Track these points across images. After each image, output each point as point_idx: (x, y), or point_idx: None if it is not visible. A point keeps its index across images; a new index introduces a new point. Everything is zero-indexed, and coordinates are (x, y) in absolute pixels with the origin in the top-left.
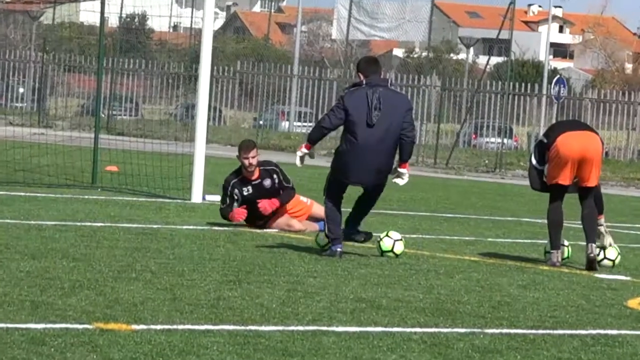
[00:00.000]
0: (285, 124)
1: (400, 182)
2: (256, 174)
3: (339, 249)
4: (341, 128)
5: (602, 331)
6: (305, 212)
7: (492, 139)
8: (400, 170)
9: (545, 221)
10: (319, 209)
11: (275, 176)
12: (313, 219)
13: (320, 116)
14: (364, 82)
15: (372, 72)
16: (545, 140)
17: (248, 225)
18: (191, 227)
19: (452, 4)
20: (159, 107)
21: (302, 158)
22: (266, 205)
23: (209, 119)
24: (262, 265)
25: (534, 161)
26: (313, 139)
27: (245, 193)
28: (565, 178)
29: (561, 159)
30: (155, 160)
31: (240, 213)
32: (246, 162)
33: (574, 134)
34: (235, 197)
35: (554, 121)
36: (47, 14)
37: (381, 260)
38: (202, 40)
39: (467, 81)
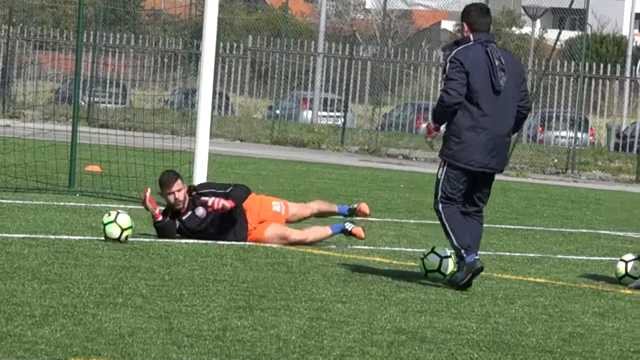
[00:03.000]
0: (307, 114)
1: None
2: (185, 205)
3: (476, 258)
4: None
5: None
6: (280, 221)
7: (563, 133)
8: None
9: (628, 235)
10: (297, 211)
11: (211, 199)
12: (294, 222)
13: (351, 104)
14: (472, 37)
15: (483, 26)
16: None
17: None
18: (191, 241)
19: None
20: (152, 92)
21: (431, 143)
22: (215, 202)
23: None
24: (279, 288)
25: None
26: (442, 122)
27: (183, 227)
28: None
29: None
30: (147, 159)
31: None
32: (171, 198)
33: None
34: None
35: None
36: None
37: (425, 282)
38: (205, 10)
39: (533, 61)
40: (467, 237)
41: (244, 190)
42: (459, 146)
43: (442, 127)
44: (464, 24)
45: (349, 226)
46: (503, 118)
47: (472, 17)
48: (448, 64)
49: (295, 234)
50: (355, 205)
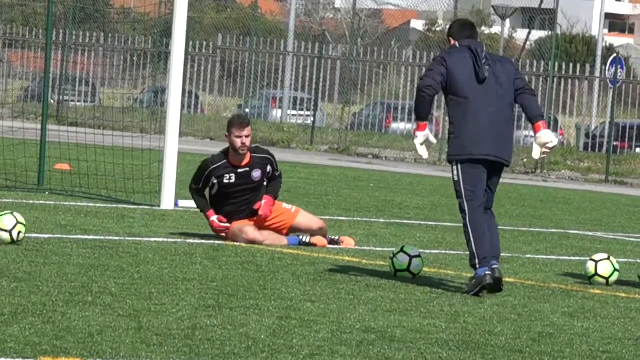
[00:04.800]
0: (277, 113)
1: (551, 145)
2: (246, 159)
3: (487, 273)
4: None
5: None
6: (287, 222)
7: (532, 133)
8: (539, 134)
9: (597, 235)
10: (304, 220)
11: (269, 167)
12: (293, 230)
13: (321, 103)
14: (457, 44)
15: (467, 37)
16: None
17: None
18: (161, 239)
19: None
20: (121, 91)
21: (423, 143)
22: (267, 211)
23: (183, 107)
24: (248, 287)
25: None
26: (422, 114)
27: (225, 181)
28: None
29: None
30: (116, 157)
31: (219, 229)
32: (238, 141)
33: None
34: (211, 185)
35: (609, 110)
36: None
37: (395, 281)
38: (175, 8)
39: None
40: (487, 248)
41: (280, 186)
42: (458, 140)
43: (432, 137)
44: (449, 38)
45: (306, 238)
46: (493, 106)
47: (455, 30)
48: (431, 62)
49: (252, 234)
50: (337, 237)
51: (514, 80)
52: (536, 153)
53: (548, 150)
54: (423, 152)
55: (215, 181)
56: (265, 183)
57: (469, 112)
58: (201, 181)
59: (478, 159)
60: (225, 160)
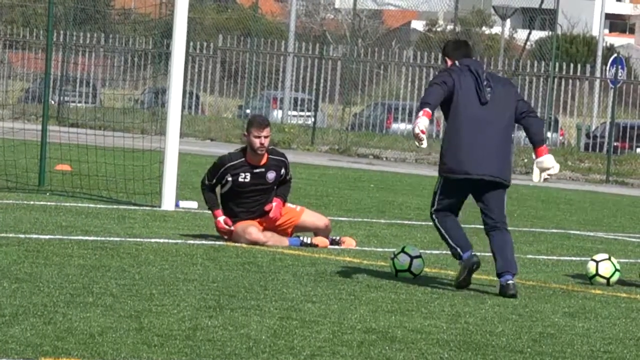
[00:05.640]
0: (277, 113)
1: (552, 171)
2: (264, 160)
3: (472, 253)
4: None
5: None
6: (293, 221)
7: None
8: (540, 159)
9: (598, 235)
10: (310, 218)
11: (282, 171)
12: (299, 229)
13: (321, 103)
14: (457, 63)
15: (462, 56)
16: None
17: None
18: (161, 240)
19: None
20: (122, 92)
21: (419, 137)
22: (277, 214)
23: (183, 107)
24: (249, 288)
25: None
26: (432, 100)
27: (240, 179)
28: None
29: None
30: (117, 158)
31: (224, 231)
32: (257, 141)
33: None
34: (224, 182)
35: (609, 110)
36: None
37: (395, 281)
38: (176, 9)
39: (503, 61)
40: (462, 237)
41: (290, 189)
42: (446, 158)
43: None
44: (445, 58)
45: (307, 239)
46: (492, 129)
47: (450, 49)
48: (438, 74)
49: (256, 234)
50: (338, 237)
51: (516, 102)
52: (536, 176)
53: (548, 177)
54: (424, 139)
55: (230, 178)
56: (275, 186)
57: (466, 134)
58: (215, 177)
59: (467, 179)
60: (243, 159)
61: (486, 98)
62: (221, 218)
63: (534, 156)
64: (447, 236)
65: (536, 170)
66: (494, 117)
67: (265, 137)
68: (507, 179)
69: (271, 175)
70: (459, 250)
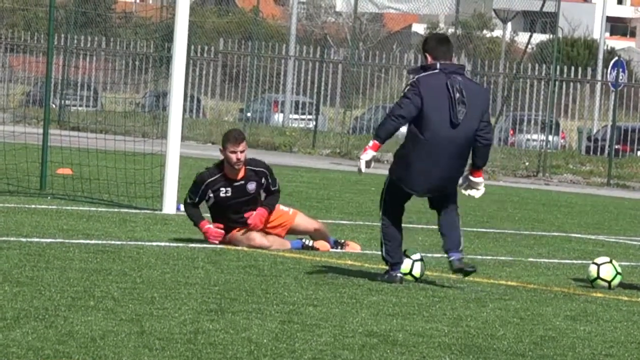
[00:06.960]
0: (278, 117)
1: (476, 193)
2: (241, 174)
3: (399, 274)
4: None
5: None
6: (286, 224)
7: (535, 136)
8: (474, 179)
9: (599, 238)
10: (303, 221)
11: (263, 180)
12: (294, 232)
13: (322, 107)
14: (438, 66)
15: (443, 53)
16: None
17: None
18: (162, 244)
19: None
20: (123, 95)
21: (368, 162)
22: (257, 221)
23: (184, 111)
24: (250, 291)
25: None
26: (383, 135)
27: (222, 194)
28: None
29: None
30: (118, 162)
31: (216, 234)
32: (233, 157)
33: None
34: (207, 199)
35: (610, 113)
36: None
37: (397, 285)
38: (177, 12)
39: (504, 64)
40: (396, 251)
41: (277, 200)
42: (398, 165)
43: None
44: (425, 53)
45: (309, 242)
46: (454, 148)
47: (430, 45)
48: (408, 86)
49: (259, 240)
50: (342, 240)
51: (482, 114)
52: (475, 193)
53: (472, 194)
54: (364, 166)
55: (211, 195)
56: (262, 197)
57: (429, 150)
58: (197, 195)
59: (407, 192)
60: (221, 173)
61: (458, 120)
62: (209, 225)
63: (467, 171)
64: (384, 244)
65: (465, 183)
66: (461, 136)
67: (242, 151)
68: (454, 185)
69: (251, 186)
70: (389, 262)
